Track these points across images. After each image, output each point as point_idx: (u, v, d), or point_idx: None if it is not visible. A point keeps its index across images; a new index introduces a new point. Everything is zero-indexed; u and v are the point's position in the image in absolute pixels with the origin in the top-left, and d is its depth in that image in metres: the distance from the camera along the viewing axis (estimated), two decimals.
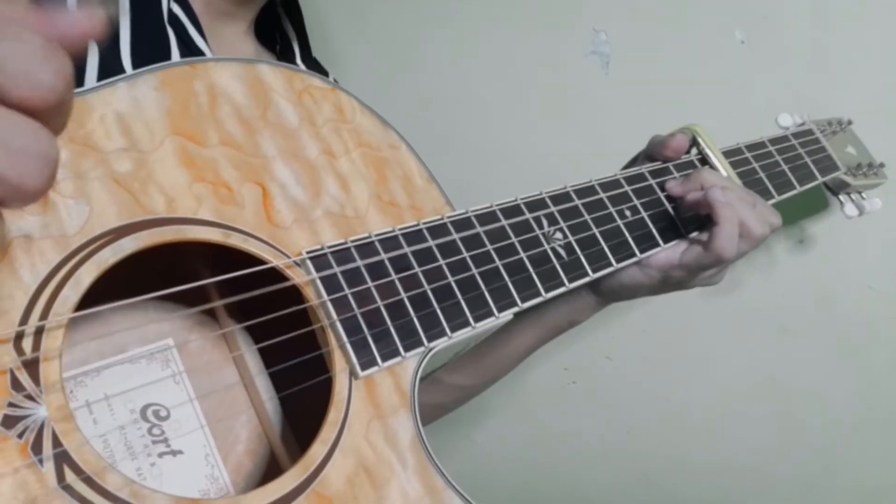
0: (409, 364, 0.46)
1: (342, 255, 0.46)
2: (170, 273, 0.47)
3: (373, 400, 0.43)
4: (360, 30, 1.10)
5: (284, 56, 0.75)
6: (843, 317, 1.01)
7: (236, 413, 0.51)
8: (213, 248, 0.44)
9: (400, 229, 0.49)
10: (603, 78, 1.03)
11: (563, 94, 1.05)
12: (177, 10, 0.62)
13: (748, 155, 0.73)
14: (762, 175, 0.73)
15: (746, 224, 0.60)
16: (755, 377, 1.05)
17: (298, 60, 0.75)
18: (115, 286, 0.44)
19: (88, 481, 0.33)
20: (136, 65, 0.57)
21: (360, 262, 0.46)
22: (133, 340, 0.49)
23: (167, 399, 0.49)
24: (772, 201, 0.71)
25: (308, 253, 0.44)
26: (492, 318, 0.50)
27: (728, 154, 0.71)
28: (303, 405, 0.49)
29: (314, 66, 0.78)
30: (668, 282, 0.64)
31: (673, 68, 1.01)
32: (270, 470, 0.50)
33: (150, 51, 0.59)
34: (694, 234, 0.63)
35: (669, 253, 0.62)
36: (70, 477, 0.33)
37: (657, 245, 0.61)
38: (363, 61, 1.09)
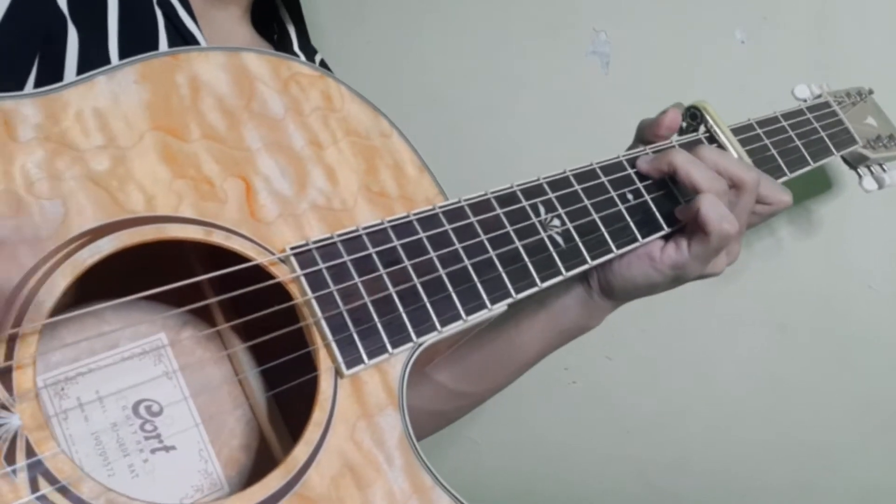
0: (398, 360, 0.45)
1: (328, 250, 0.45)
2: (164, 268, 0.47)
3: (359, 398, 0.43)
4: (360, 30, 1.09)
5: (281, 45, 0.73)
6: (843, 317, 1.00)
7: (230, 408, 0.51)
8: (204, 245, 0.43)
9: (389, 221, 0.47)
10: (603, 78, 1.03)
11: (563, 94, 1.04)
12: None
13: (759, 131, 0.70)
14: (774, 152, 0.70)
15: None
16: (755, 377, 1.04)
17: (296, 48, 0.73)
18: (109, 282, 0.44)
19: (63, 490, 0.33)
20: (122, 51, 0.56)
21: (346, 258, 0.45)
22: (125, 338, 0.49)
23: (160, 396, 0.48)
24: (783, 179, 0.69)
25: (292, 249, 0.43)
26: (484, 311, 0.49)
27: (738, 131, 0.69)
28: (297, 399, 0.48)
29: (312, 55, 0.76)
30: (684, 277, 0.61)
31: (673, 68, 1.00)
32: (265, 464, 0.50)
33: (137, 37, 0.58)
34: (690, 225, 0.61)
35: (677, 247, 0.59)
36: (44, 487, 0.33)
37: (661, 229, 0.59)
38: (363, 61, 1.09)
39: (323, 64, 0.79)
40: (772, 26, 0.98)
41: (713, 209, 0.56)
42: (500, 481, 1.18)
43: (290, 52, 0.73)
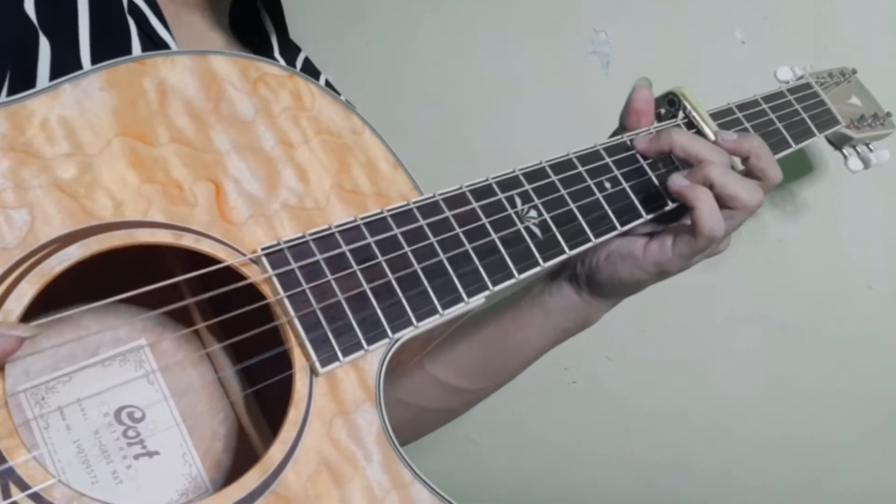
0: (374, 357, 0.45)
1: (300, 249, 0.45)
2: (144, 273, 0.47)
3: (335, 396, 0.43)
4: (360, 30, 1.09)
5: (261, 51, 0.73)
6: (843, 317, 1.00)
7: (212, 410, 0.51)
8: (182, 248, 0.43)
9: (362, 218, 0.47)
10: (603, 78, 1.03)
11: (563, 94, 1.04)
12: (138, 0, 0.60)
13: (739, 115, 0.70)
14: None
15: (730, 194, 0.57)
16: (755, 377, 1.05)
17: (277, 55, 0.73)
18: (87, 289, 0.44)
19: (35, 497, 0.33)
20: (95, 58, 0.56)
21: (319, 256, 0.45)
22: (105, 343, 0.49)
23: (142, 400, 0.48)
24: None
25: (263, 250, 0.43)
26: (461, 304, 0.49)
27: (717, 116, 0.68)
28: (278, 400, 0.48)
29: (294, 54, 0.76)
30: (668, 273, 0.61)
31: (673, 68, 1.00)
32: (249, 465, 0.50)
33: (109, 44, 0.58)
34: (674, 225, 0.61)
35: (661, 245, 0.59)
36: (16, 493, 0.33)
37: (640, 216, 0.59)
38: (363, 62, 1.08)
39: (307, 62, 0.79)
40: (772, 26, 0.98)
41: (707, 209, 0.56)
42: (500, 481, 1.18)
43: (270, 58, 0.73)
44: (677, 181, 0.57)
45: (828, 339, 1.02)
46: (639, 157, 0.62)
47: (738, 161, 0.63)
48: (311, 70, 0.77)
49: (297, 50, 0.78)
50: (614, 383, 1.09)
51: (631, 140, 0.62)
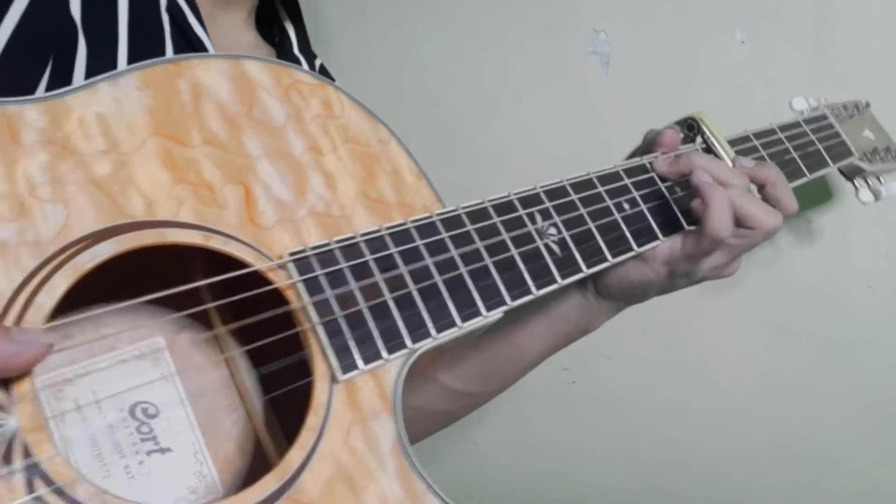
0: (393, 367, 0.45)
1: (325, 256, 0.45)
2: (163, 273, 0.47)
3: (354, 404, 0.43)
4: (359, 30, 1.10)
5: (282, 48, 0.74)
6: (843, 317, 1.00)
7: (226, 412, 0.51)
8: (204, 250, 0.44)
9: (387, 228, 0.48)
10: (603, 78, 1.03)
11: (563, 94, 1.04)
12: None
13: (756, 143, 0.71)
14: None
15: (748, 213, 0.58)
16: (754, 377, 1.05)
17: (296, 51, 0.74)
18: (107, 286, 0.44)
19: (59, 492, 0.33)
20: (131, 59, 0.57)
21: (343, 264, 0.45)
22: (123, 341, 0.49)
23: (157, 398, 0.49)
24: None
25: (290, 255, 0.44)
26: (480, 318, 0.49)
27: (735, 143, 0.69)
28: (293, 404, 0.49)
29: (311, 59, 0.77)
30: (676, 275, 0.62)
31: (673, 68, 1.01)
32: (260, 468, 0.50)
33: (144, 44, 0.58)
34: (686, 228, 0.62)
35: (671, 244, 0.61)
36: (40, 488, 0.33)
37: (656, 238, 0.60)
38: (362, 62, 1.09)
39: (322, 68, 0.79)
40: (772, 26, 0.98)
41: (718, 209, 0.57)
42: (501, 481, 1.18)
43: (290, 54, 0.73)
44: (703, 176, 0.58)
45: (827, 340, 1.02)
46: (657, 179, 0.63)
47: (754, 188, 0.64)
48: (326, 77, 0.78)
49: (314, 56, 0.79)
50: (614, 383, 1.10)
51: (650, 163, 0.63)
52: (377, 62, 1.10)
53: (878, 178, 0.89)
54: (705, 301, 1.03)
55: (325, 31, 1.08)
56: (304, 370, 0.45)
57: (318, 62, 0.79)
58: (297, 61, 0.73)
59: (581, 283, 0.65)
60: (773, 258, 1.02)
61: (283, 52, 0.74)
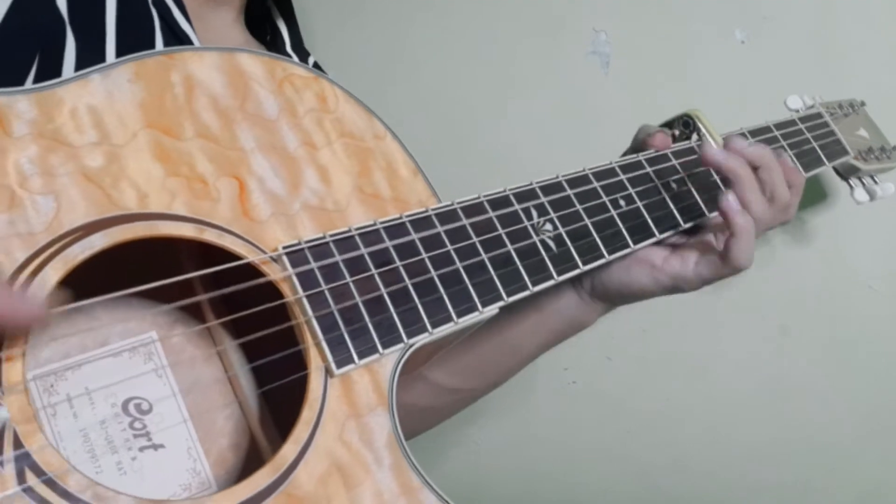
0: (388, 361, 0.45)
1: (320, 250, 0.45)
2: (156, 266, 0.47)
3: (349, 398, 0.43)
4: (357, 29, 1.09)
5: (273, 47, 0.73)
6: (844, 317, 1.00)
7: (220, 407, 0.51)
8: (198, 242, 0.43)
9: (381, 222, 0.48)
10: (603, 78, 1.03)
11: (563, 94, 1.04)
12: None
13: (752, 141, 0.71)
14: None
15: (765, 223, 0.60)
16: (755, 377, 1.04)
17: (289, 49, 0.74)
18: (99, 279, 0.44)
19: (50, 483, 0.33)
20: (119, 53, 0.56)
21: (338, 257, 0.45)
22: (115, 334, 0.49)
23: (150, 393, 0.48)
24: None
25: (284, 248, 0.44)
26: (475, 313, 0.49)
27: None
28: (287, 399, 0.48)
29: (304, 57, 0.76)
30: (680, 289, 0.62)
31: (673, 68, 1.00)
32: (254, 463, 0.50)
33: (134, 37, 0.58)
34: (699, 241, 0.62)
35: (682, 262, 0.60)
36: (31, 479, 0.33)
37: (652, 235, 0.60)
38: (360, 61, 1.09)
39: (316, 66, 0.79)
40: (772, 26, 0.98)
41: (747, 242, 0.57)
42: (501, 481, 1.17)
43: (283, 52, 0.73)
44: (733, 203, 0.57)
45: (828, 339, 1.02)
46: (653, 176, 0.63)
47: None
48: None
49: (307, 54, 0.78)
50: (614, 383, 1.09)
51: (649, 161, 0.62)
52: (374, 62, 1.09)
53: (873, 178, 0.89)
54: (706, 301, 1.02)
55: (322, 29, 1.08)
56: (298, 366, 0.45)
57: (311, 60, 0.78)
58: None
59: (575, 280, 0.65)
60: (773, 258, 1.02)
61: (275, 50, 0.73)
